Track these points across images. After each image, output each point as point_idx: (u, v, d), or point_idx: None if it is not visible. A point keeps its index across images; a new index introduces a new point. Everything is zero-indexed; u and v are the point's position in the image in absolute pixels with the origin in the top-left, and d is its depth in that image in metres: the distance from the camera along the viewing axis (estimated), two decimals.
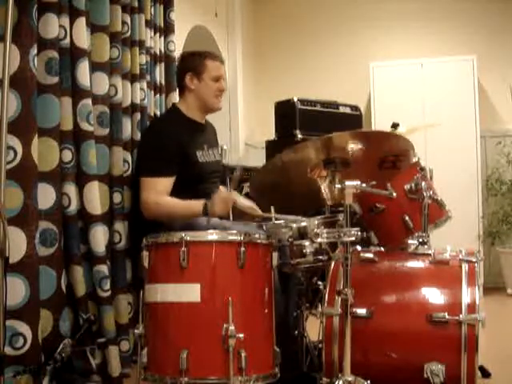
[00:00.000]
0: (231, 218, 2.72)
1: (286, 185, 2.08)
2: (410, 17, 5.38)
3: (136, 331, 1.89)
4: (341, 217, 2.18)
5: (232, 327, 1.73)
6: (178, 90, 2.81)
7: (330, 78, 5.47)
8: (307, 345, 2.41)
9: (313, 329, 2.59)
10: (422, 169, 2.36)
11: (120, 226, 2.65)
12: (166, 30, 3.23)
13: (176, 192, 2.51)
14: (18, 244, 1.99)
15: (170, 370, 1.78)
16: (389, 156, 1.95)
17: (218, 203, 2.39)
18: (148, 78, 3.00)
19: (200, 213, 2.41)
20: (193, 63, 2.68)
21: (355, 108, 4.73)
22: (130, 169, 2.75)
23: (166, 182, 2.51)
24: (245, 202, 2.64)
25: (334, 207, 2.63)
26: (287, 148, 1.93)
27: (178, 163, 2.54)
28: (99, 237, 2.44)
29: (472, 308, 1.88)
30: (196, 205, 2.43)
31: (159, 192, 2.48)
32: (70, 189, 2.33)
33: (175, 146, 2.53)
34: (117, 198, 2.65)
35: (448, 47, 5.18)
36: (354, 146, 1.88)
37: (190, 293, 1.80)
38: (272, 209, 2.29)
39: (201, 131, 2.73)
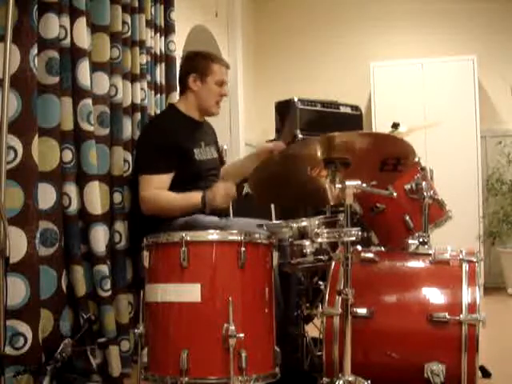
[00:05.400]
0: (231, 214, 2.73)
1: (286, 182, 2.07)
2: (410, 17, 5.38)
3: (136, 331, 1.89)
4: (341, 217, 2.19)
5: (232, 327, 1.73)
6: (178, 88, 2.81)
7: (331, 78, 5.46)
8: (307, 345, 2.41)
9: (313, 329, 2.60)
10: (423, 169, 2.36)
11: (120, 226, 2.65)
12: (167, 29, 3.23)
13: (174, 190, 2.52)
14: (18, 244, 1.99)
15: (171, 370, 1.77)
16: (390, 158, 1.95)
17: (220, 195, 2.41)
18: (148, 77, 3.00)
19: (199, 204, 2.43)
20: (198, 65, 2.67)
21: (355, 108, 4.73)
22: (131, 169, 2.75)
23: (164, 179, 2.52)
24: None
25: (335, 207, 2.63)
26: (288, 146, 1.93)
27: (176, 159, 2.54)
28: (99, 237, 2.44)
29: (472, 308, 1.88)
30: (194, 196, 2.45)
31: (157, 188, 2.50)
32: (71, 189, 2.33)
33: (172, 143, 2.54)
34: (117, 197, 2.65)
35: (448, 47, 5.18)
36: (355, 145, 1.87)
37: (190, 293, 1.80)
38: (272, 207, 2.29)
39: (199, 129, 2.74)
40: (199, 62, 2.68)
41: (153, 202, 2.50)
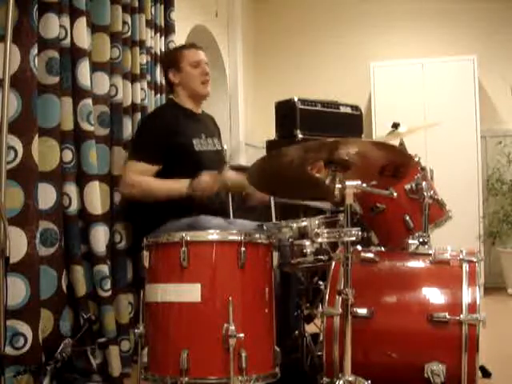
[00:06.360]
0: (231, 215, 2.72)
1: (285, 175, 2.06)
2: (410, 17, 5.38)
3: (136, 331, 1.89)
4: (341, 217, 2.19)
5: (232, 327, 1.73)
6: (169, 89, 2.85)
7: (331, 78, 5.47)
8: (307, 345, 2.41)
9: (313, 329, 2.60)
10: (423, 169, 2.36)
11: (120, 226, 2.65)
12: (167, 29, 3.24)
13: None
14: (18, 244, 1.99)
15: (171, 370, 1.77)
16: (389, 165, 1.94)
17: (205, 181, 2.43)
18: (148, 77, 3.01)
19: (184, 188, 2.44)
20: (171, 58, 2.77)
21: (356, 108, 4.72)
22: None
23: (148, 168, 2.52)
24: (235, 177, 2.69)
25: (335, 207, 2.62)
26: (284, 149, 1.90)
27: (167, 154, 2.54)
28: (100, 237, 2.44)
29: (472, 308, 1.88)
30: (180, 181, 2.46)
31: (139, 173, 2.50)
32: (71, 189, 2.33)
33: (166, 136, 2.55)
34: (117, 197, 2.65)
35: (448, 47, 5.19)
36: (353, 151, 1.87)
37: (190, 293, 1.80)
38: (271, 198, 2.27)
39: (198, 120, 2.76)
40: (171, 56, 2.80)
41: (132, 186, 2.49)
